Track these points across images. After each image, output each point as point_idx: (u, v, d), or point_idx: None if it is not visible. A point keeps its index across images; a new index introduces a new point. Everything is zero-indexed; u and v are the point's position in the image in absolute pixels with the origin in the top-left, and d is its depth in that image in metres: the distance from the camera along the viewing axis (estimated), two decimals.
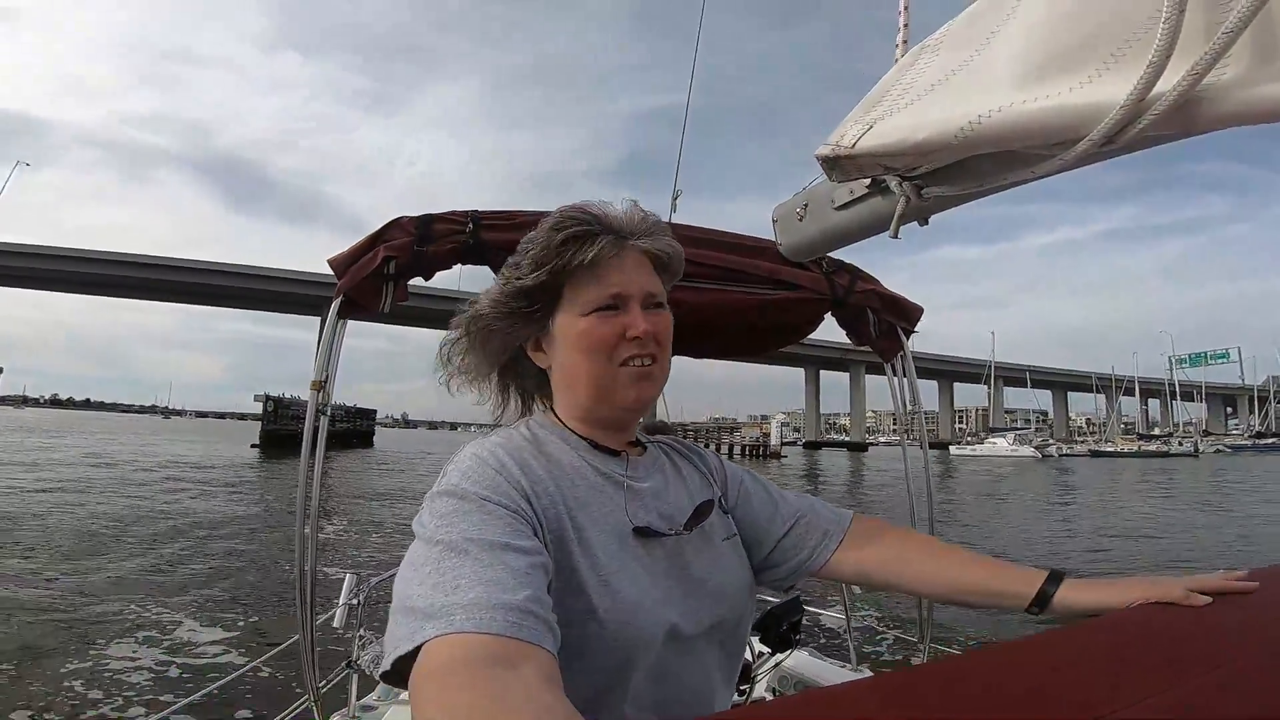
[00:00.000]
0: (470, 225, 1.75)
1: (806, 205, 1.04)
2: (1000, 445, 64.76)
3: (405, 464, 33.06)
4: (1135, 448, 71.42)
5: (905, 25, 0.86)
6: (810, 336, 2.39)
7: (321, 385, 1.89)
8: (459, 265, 1.80)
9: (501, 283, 0.86)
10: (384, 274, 1.74)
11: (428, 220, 1.76)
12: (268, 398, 41.09)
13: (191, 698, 2.26)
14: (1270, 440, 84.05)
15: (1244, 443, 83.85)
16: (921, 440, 2.63)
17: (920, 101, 0.61)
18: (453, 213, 1.78)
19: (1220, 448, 77.88)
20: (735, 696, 2.17)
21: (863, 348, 2.33)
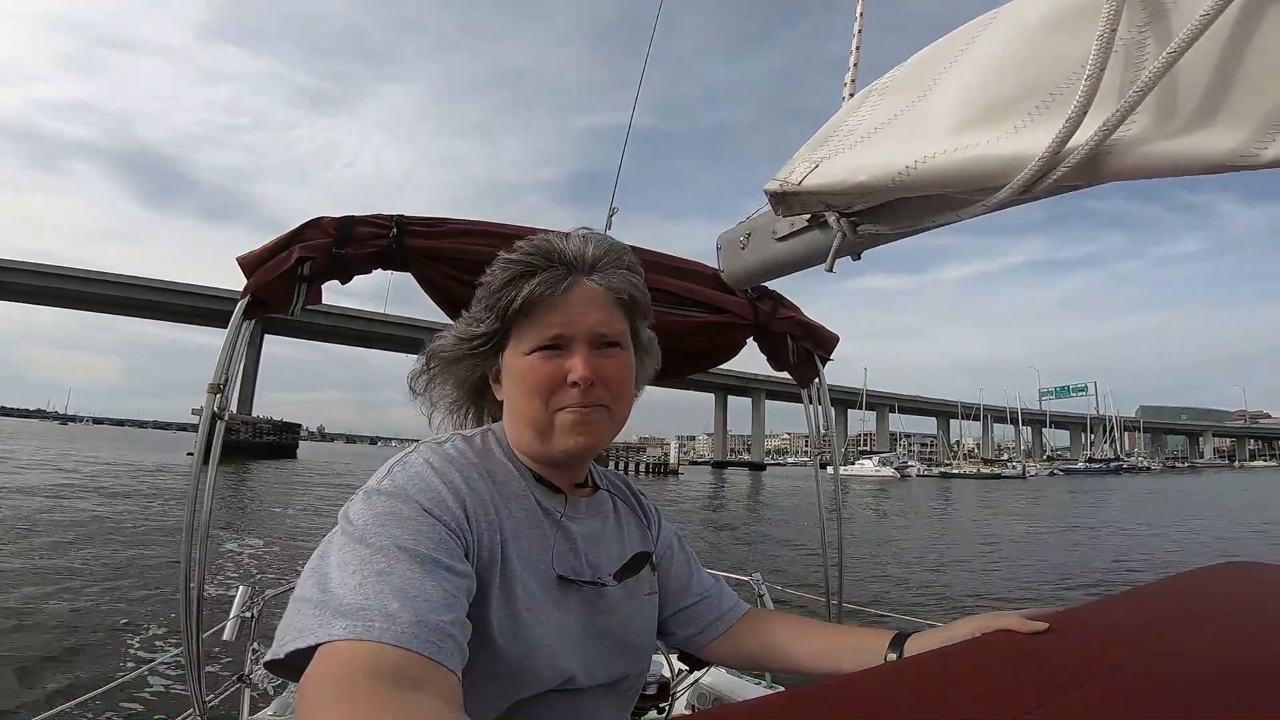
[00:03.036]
0: (394, 230, 1.67)
1: (749, 235, 1.07)
2: (867, 466, 72.92)
3: (331, 474, 33.95)
4: (975, 470, 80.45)
5: (855, 65, 0.92)
6: (720, 366, 2.44)
7: (220, 389, 1.73)
8: (380, 271, 1.71)
9: (466, 320, 0.83)
10: (297, 275, 1.63)
11: (349, 222, 1.66)
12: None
13: (63, 706, 2.03)
14: (1099, 465, 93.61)
15: (1078, 467, 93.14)
16: (834, 462, 2.73)
17: (864, 143, 0.66)
18: (376, 216, 1.69)
19: (1054, 471, 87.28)
20: (655, 714, 2.16)
21: (780, 373, 2.38)
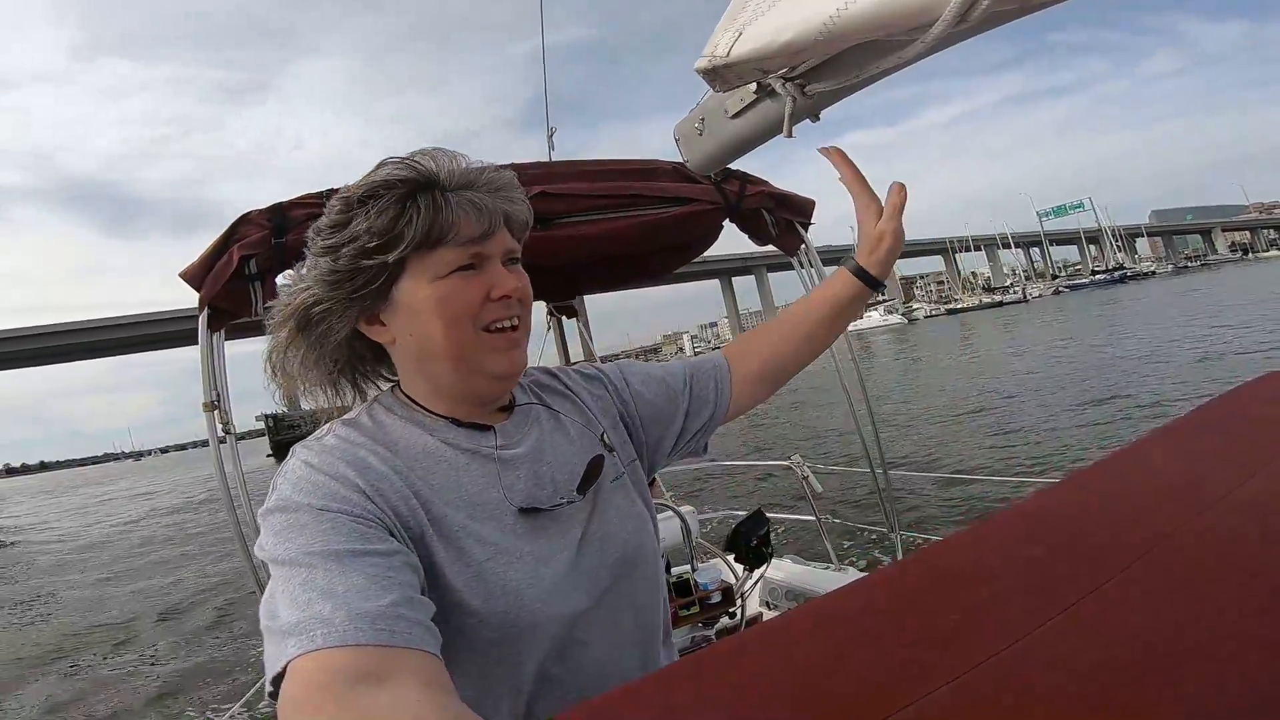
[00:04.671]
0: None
1: (704, 119, 1.02)
2: (874, 317, 73.04)
3: None
4: (978, 301, 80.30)
5: None
6: (714, 250, 2.39)
7: (215, 405, 1.71)
8: None
9: (328, 256, 0.69)
10: (246, 274, 1.57)
11: (280, 208, 1.61)
12: (268, 416, 47.01)
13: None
14: (1103, 275, 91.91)
15: (1083, 281, 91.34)
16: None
17: (780, 3, 0.60)
18: (307, 196, 1.64)
19: (1059, 289, 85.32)
20: (727, 619, 2.22)
21: (766, 248, 2.35)
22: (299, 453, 0.68)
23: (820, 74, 0.75)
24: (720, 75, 0.66)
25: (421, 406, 0.75)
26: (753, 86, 0.88)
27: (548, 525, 0.74)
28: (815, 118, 0.89)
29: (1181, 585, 0.48)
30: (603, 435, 0.87)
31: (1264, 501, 0.57)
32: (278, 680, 0.50)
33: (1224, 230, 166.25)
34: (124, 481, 53.08)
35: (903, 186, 0.90)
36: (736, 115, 0.96)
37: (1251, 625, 0.42)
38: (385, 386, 0.81)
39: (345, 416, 0.75)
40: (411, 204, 0.67)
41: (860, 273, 0.93)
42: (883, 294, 0.95)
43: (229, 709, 2.70)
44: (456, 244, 0.69)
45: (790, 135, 0.88)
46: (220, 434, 1.73)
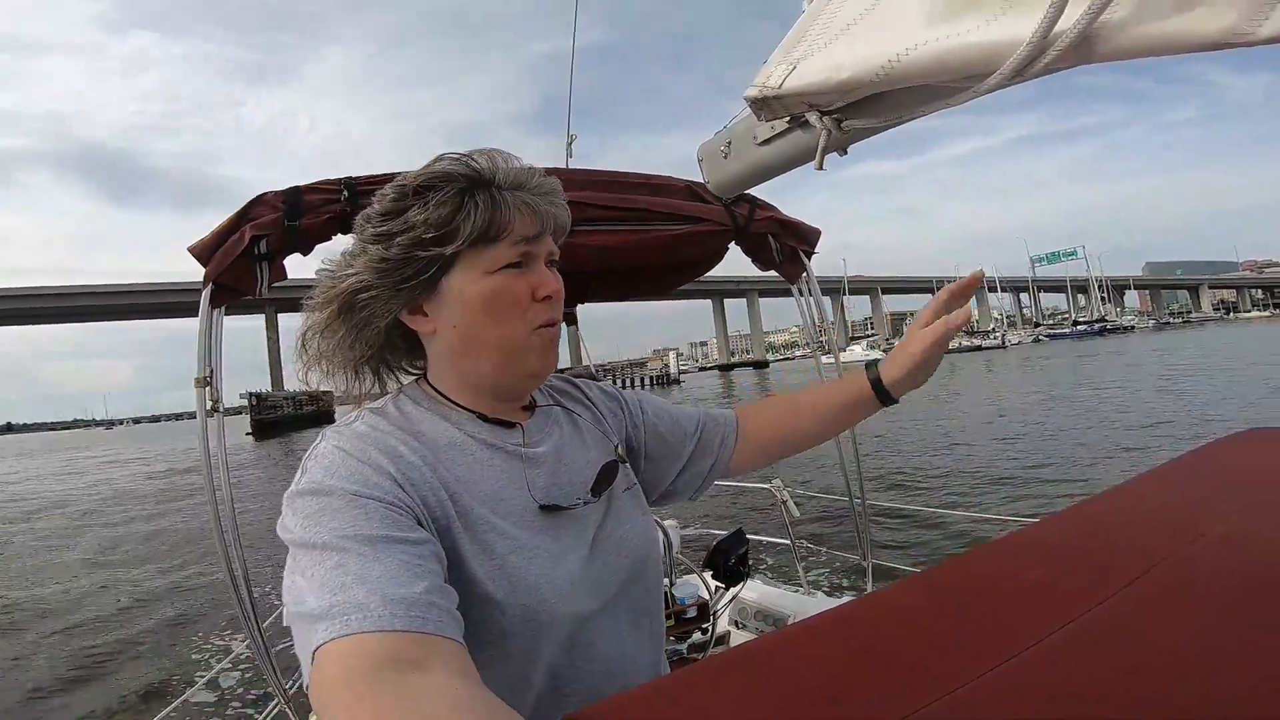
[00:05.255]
0: (345, 193, 1.62)
1: (730, 143, 1.04)
2: (857, 351, 74.19)
3: None
4: (958, 344, 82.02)
5: None
6: (711, 272, 2.41)
7: (207, 381, 1.71)
8: (339, 236, 1.66)
9: (381, 245, 0.70)
10: (255, 254, 1.59)
11: (296, 192, 1.61)
12: (251, 395, 49.06)
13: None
14: (1083, 326, 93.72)
15: (1064, 331, 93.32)
16: (833, 352, 2.74)
17: (840, 39, 0.62)
18: (323, 182, 1.64)
19: (1039, 337, 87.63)
20: (700, 635, 2.23)
21: (767, 273, 2.36)
22: (330, 437, 0.68)
23: (859, 110, 0.76)
24: (769, 105, 0.68)
25: (449, 400, 0.77)
26: (787, 117, 0.90)
27: (566, 524, 0.75)
28: (843, 151, 0.91)
29: (1169, 611, 0.51)
30: (617, 446, 0.89)
31: (1243, 540, 0.63)
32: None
33: (1210, 287, 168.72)
34: (102, 447, 53.36)
35: (965, 317, 0.87)
36: (765, 143, 0.98)
37: (1233, 649, 0.45)
38: (405, 380, 0.82)
39: (372, 405, 0.75)
40: (469, 199, 0.69)
41: (878, 386, 0.92)
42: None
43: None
44: (510, 242, 0.71)
45: (821, 168, 0.90)
46: (208, 410, 1.72)
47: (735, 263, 2.41)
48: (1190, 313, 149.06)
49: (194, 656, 5.55)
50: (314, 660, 0.49)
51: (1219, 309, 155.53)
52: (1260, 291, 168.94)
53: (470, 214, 0.68)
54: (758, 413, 1.03)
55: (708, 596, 2.33)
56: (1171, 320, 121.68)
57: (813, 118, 0.83)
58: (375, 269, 0.70)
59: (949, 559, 0.69)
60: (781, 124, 0.92)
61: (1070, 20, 0.44)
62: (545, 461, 0.78)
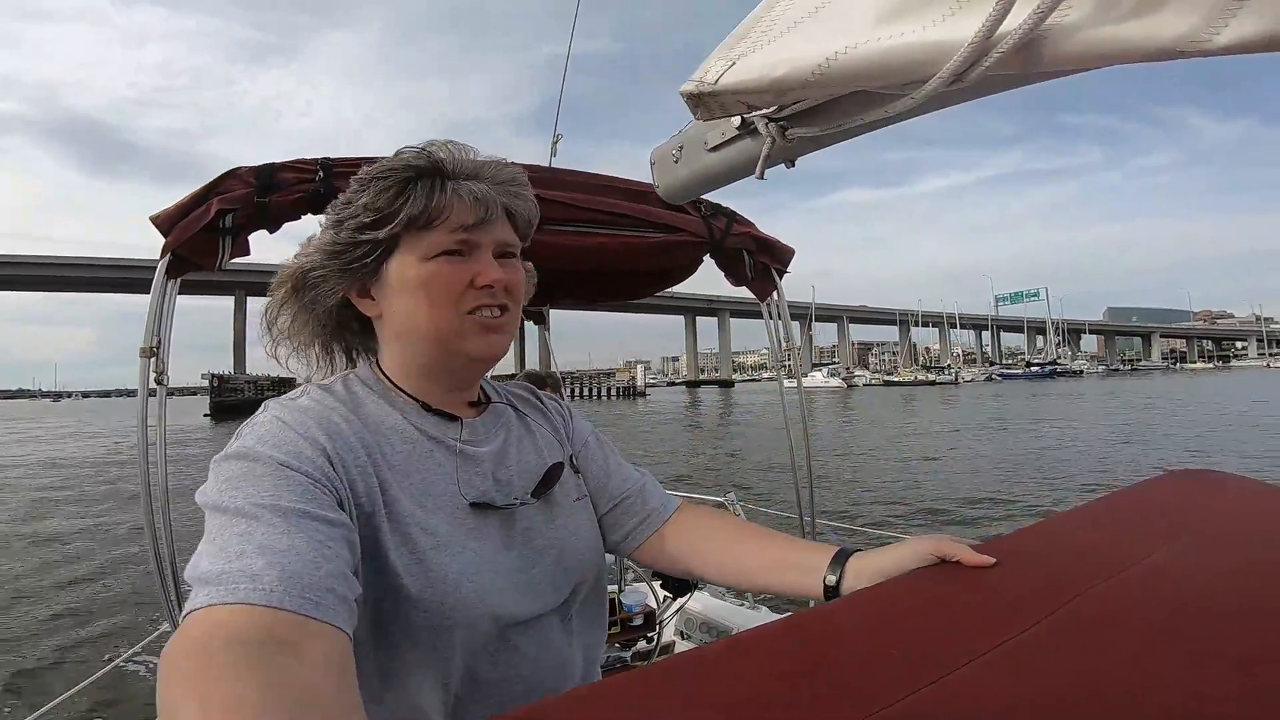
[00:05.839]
0: (320, 173, 1.58)
1: (682, 147, 1.00)
2: (817, 377, 76.45)
3: None
4: (913, 378, 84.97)
5: None
6: (684, 287, 2.38)
7: (154, 352, 1.65)
8: (309, 216, 1.62)
9: (332, 229, 0.73)
10: (219, 228, 1.55)
11: (270, 169, 1.58)
12: (213, 375, 49.48)
13: (57, 699, 2.03)
14: (1036, 368, 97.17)
15: (1016, 371, 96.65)
16: (796, 376, 2.73)
17: (784, 37, 0.57)
18: (299, 161, 1.62)
19: (992, 375, 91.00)
20: (644, 644, 2.23)
21: (739, 288, 2.36)
22: (272, 408, 0.68)
23: (804, 119, 0.74)
24: (704, 102, 0.63)
25: (395, 385, 0.77)
26: (736, 122, 0.86)
27: (498, 525, 0.74)
28: (791, 163, 0.88)
29: (1092, 636, 0.53)
30: (573, 457, 0.88)
31: (1162, 572, 0.67)
32: None
33: (1162, 336, 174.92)
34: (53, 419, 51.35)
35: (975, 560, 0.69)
36: (715, 149, 0.94)
37: (1156, 676, 0.47)
38: (363, 363, 0.83)
39: (321, 382, 0.76)
40: (411, 186, 0.70)
41: (839, 561, 0.76)
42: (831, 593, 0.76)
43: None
44: (447, 229, 0.71)
45: (762, 177, 0.86)
46: (151, 385, 1.66)
47: (710, 281, 2.38)
48: (1139, 360, 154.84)
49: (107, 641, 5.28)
50: (182, 622, 0.46)
51: (1168, 358, 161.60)
52: (1210, 343, 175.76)
53: (409, 199, 0.70)
54: (699, 525, 0.90)
55: (655, 605, 2.34)
56: (1120, 367, 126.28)
57: (760, 123, 0.79)
58: (324, 250, 0.73)
59: (887, 581, 0.70)
60: (731, 130, 0.89)
61: (1017, 20, 0.39)
62: (485, 461, 0.77)
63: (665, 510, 0.91)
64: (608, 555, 0.89)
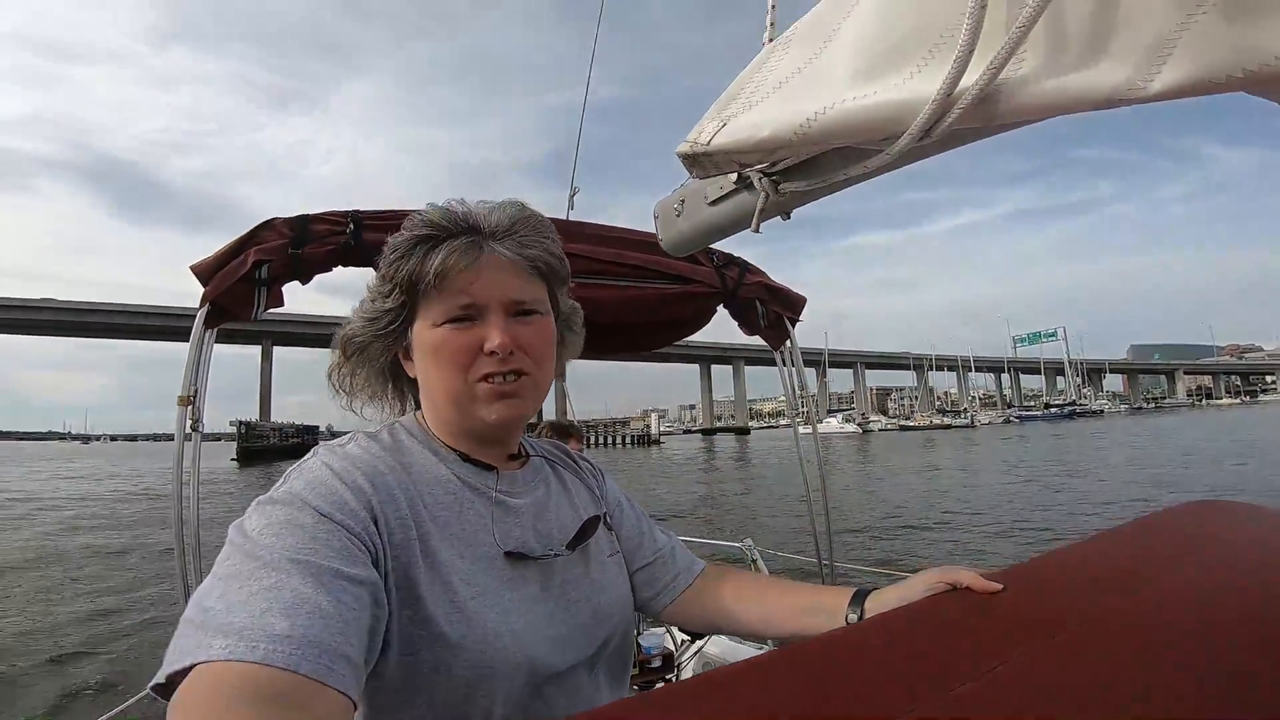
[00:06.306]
0: (351, 225, 1.63)
1: (684, 201, 1.04)
2: (832, 424, 75.98)
3: None
4: (929, 422, 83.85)
5: (772, 24, 0.88)
6: (699, 336, 2.41)
7: (190, 400, 1.69)
8: (340, 268, 1.67)
9: (369, 298, 0.77)
10: (255, 279, 1.59)
11: (304, 221, 1.63)
12: (240, 422, 52.40)
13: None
14: (1055, 409, 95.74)
15: (1035, 413, 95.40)
16: (812, 424, 2.74)
17: (770, 98, 0.62)
18: (331, 213, 1.66)
19: (1010, 418, 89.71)
20: (662, 686, 2.21)
21: (752, 337, 2.38)
22: (321, 453, 0.69)
23: (795, 174, 0.78)
24: (699, 162, 0.67)
25: (438, 437, 0.78)
26: (734, 177, 0.90)
27: (534, 576, 0.74)
28: (786, 215, 0.91)
29: (1102, 656, 0.53)
30: (606, 515, 0.90)
31: (1178, 595, 0.68)
32: (181, 677, 0.47)
33: (1186, 373, 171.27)
34: (89, 459, 53.47)
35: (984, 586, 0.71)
36: (715, 202, 0.98)
37: (1162, 692, 0.48)
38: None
39: (369, 431, 0.77)
40: (413, 251, 0.73)
41: (859, 599, 0.79)
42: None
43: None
44: (449, 294, 0.72)
45: (757, 230, 0.89)
46: (187, 431, 1.71)
47: (723, 330, 2.41)
48: (1164, 398, 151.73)
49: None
50: (190, 672, 0.47)
51: (1193, 395, 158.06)
52: (1237, 378, 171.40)
53: (410, 265, 0.72)
54: (727, 586, 0.92)
55: (673, 648, 2.36)
56: (1144, 405, 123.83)
57: (754, 178, 0.84)
58: (360, 316, 0.77)
59: (896, 608, 0.71)
60: (729, 184, 0.92)
61: (973, 78, 0.43)
62: (523, 512, 0.78)
63: (693, 570, 0.95)
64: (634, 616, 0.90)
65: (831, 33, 0.59)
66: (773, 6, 0.95)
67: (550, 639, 0.71)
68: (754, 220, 0.83)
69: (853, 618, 0.78)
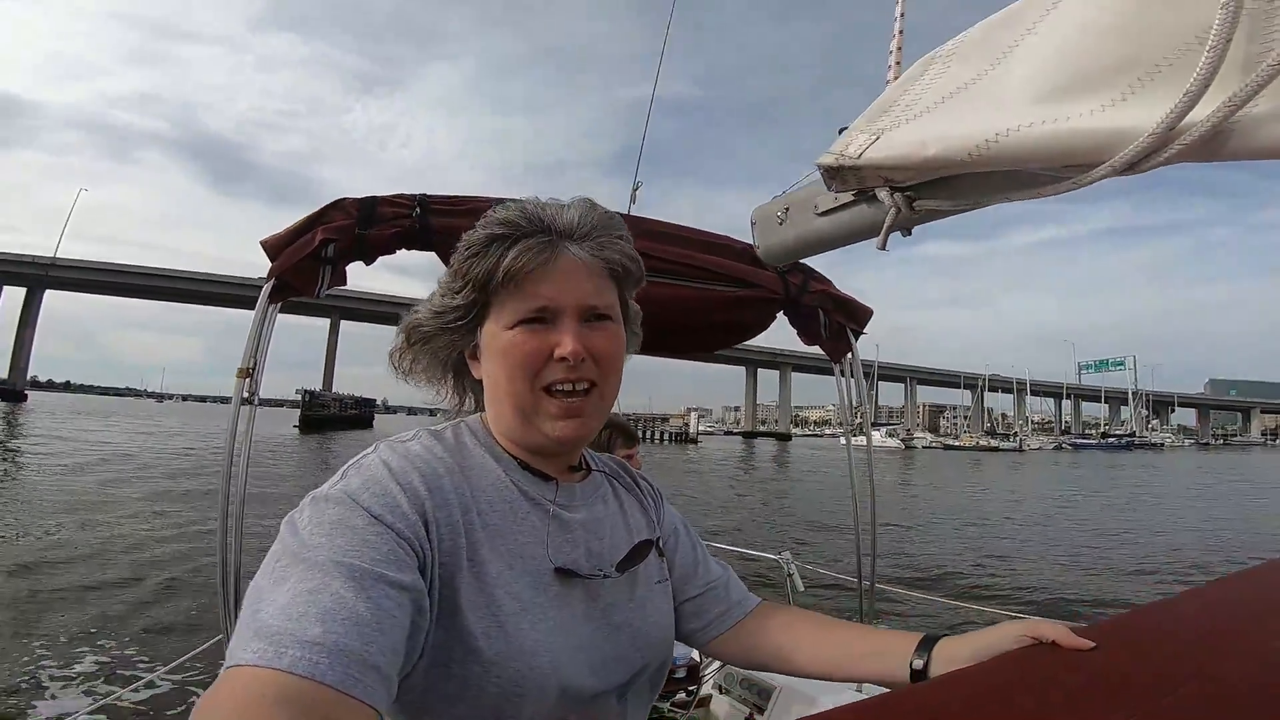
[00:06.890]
0: (417, 209, 1.64)
1: (788, 209, 1.00)
2: (875, 437, 72.64)
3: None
4: (975, 443, 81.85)
5: (900, 32, 0.84)
6: (748, 341, 2.36)
7: (249, 373, 1.71)
8: (404, 250, 1.69)
9: (440, 291, 0.75)
10: (321, 257, 1.62)
11: (372, 202, 1.64)
12: (305, 391, 55.50)
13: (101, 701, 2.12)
14: (1112, 440, 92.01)
15: (1090, 441, 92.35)
16: (867, 435, 2.66)
17: (930, 114, 0.59)
18: (399, 196, 1.67)
19: (1062, 445, 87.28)
20: (684, 695, 2.19)
21: (812, 348, 2.32)
22: (382, 450, 0.67)
23: (935, 190, 0.72)
24: (842, 175, 0.64)
25: (499, 443, 0.76)
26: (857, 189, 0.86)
27: (580, 596, 0.72)
28: (908, 232, 0.86)
29: (1237, 716, 0.51)
30: (659, 540, 0.86)
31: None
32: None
33: (1263, 411, 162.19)
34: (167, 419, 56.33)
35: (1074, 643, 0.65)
36: (825, 213, 0.94)
37: None
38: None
39: (433, 428, 0.76)
40: (490, 249, 0.70)
41: (926, 646, 0.74)
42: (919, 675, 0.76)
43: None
44: (525, 295, 0.69)
45: (884, 247, 0.85)
46: (242, 402, 1.74)
47: (772, 333, 2.35)
48: (1236, 435, 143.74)
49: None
50: (225, 672, 0.47)
51: (1267, 434, 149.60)
52: None
53: (483, 263, 0.69)
54: (783, 622, 0.88)
55: (699, 659, 2.33)
56: (1211, 441, 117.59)
57: (883, 193, 0.79)
58: (430, 309, 0.75)
59: (977, 663, 0.67)
60: (846, 195, 0.88)
61: (1205, 112, 0.39)
62: (577, 528, 0.75)
63: (746, 604, 0.91)
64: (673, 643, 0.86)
65: (1008, 49, 0.56)
66: (900, 14, 0.92)
67: (588, 663, 0.69)
68: (882, 236, 0.79)
69: (918, 664, 0.73)
